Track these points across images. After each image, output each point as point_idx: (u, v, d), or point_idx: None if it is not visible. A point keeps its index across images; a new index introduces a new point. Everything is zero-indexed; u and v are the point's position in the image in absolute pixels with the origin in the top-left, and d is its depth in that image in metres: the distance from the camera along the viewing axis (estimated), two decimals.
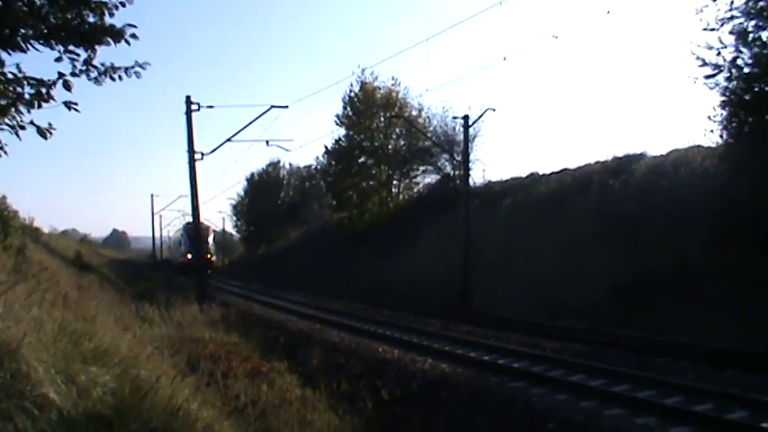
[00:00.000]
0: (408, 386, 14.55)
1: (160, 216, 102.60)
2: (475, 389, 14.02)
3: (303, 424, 10.50)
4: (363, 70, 59.27)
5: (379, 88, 59.99)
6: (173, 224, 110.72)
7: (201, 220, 37.26)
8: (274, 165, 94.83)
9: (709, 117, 26.11)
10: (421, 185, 59.12)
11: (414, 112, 59.03)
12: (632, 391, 13.38)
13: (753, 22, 24.71)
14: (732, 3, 24.77)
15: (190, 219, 73.97)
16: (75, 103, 9.21)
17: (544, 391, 13.81)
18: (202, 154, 33.61)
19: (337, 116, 61.16)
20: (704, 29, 25.40)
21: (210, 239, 72.38)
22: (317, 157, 68.48)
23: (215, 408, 9.52)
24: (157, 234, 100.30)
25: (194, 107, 32.41)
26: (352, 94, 60.23)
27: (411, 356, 17.90)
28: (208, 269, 54.55)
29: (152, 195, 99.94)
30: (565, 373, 15.29)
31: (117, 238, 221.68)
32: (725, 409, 11.83)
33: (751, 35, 24.70)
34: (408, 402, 13.30)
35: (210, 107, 33.00)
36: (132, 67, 9.66)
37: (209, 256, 65.88)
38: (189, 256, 63.10)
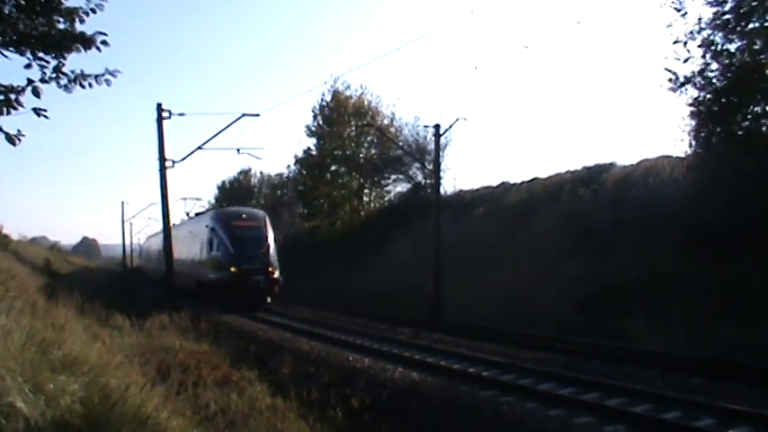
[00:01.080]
0: (378, 395, 14.55)
1: (131, 223, 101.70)
2: (445, 398, 14.02)
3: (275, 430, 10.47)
4: (336, 79, 59.27)
5: (351, 97, 60.07)
6: (144, 231, 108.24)
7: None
8: (245, 173, 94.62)
9: (679, 127, 26.53)
10: (392, 194, 59.19)
11: (385, 121, 59.16)
12: (601, 399, 13.42)
13: (720, 35, 25.07)
14: (700, 17, 25.16)
15: (202, 208, 58.04)
16: (45, 110, 9.16)
17: (513, 399, 13.84)
18: (173, 161, 33.47)
19: (308, 126, 61.23)
20: (674, 41, 25.73)
21: (271, 240, 38.15)
22: (288, 166, 68.31)
23: (184, 417, 9.48)
24: (128, 241, 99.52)
25: (165, 114, 32.21)
26: (324, 103, 60.30)
27: (381, 365, 17.87)
28: (267, 293, 36.70)
29: (122, 203, 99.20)
30: (534, 381, 15.31)
31: (87, 245, 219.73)
32: (693, 417, 11.90)
33: (719, 47, 25.05)
34: (378, 411, 13.30)
35: (182, 115, 32.88)
36: (102, 75, 9.61)
37: (271, 271, 36.46)
38: (234, 269, 35.33)
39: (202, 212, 50.20)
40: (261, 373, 16.39)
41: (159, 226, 57.24)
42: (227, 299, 35.14)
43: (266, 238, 37.11)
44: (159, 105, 32.20)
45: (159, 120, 32.20)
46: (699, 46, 25.44)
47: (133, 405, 7.65)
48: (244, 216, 39.31)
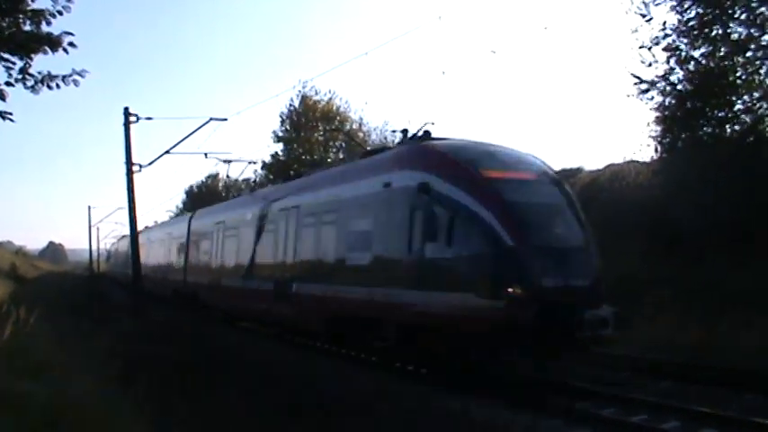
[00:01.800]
0: (349, 398, 14.51)
1: (97, 228, 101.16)
2: (415, 401, 14.01)
3: None
4: (304, 84, 59.31)
5: (319, 102, 60.13)
6: (112, 235, 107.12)
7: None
8: (213, 177, 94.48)
9: (644, 133, 26.91)
10: None
11: (354, 126, 59.27)
12: (568, 402, 13.48)
13: (685, 41, 25.40)
14: (665, 23, 25.50)
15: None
16: (10, 113, 9.08)
17: (482, 403, 13.86)
18: (140, 166, 33.25)
19: (275, 132, 61.21)
20: (640, 47, 26.07)
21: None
22: (256, 171, 68.16)
23: (151, 422, 9.42)
24: (95, 246, 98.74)
25: (132, 118, 31.94)
26: (292, 108, 60.27)
27: (351, 369, 17.90)
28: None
29: (89, 207, 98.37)
30: (501, 385, 15.29)
31: (53, 250, 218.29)
32: (660, 420, 11.99)
33: (683, 53, 25.37)
34: (348, 415, 13.27)
35: (149, 119, 32.69)
36: (70, 76, 9.57)
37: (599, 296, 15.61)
38: (523, 292, 14.16)
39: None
40: (228, 377, 16.30)
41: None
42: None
43: (577, 213, 16.92)
44: (126, 109, 31.93)
45: (126, 123, 31.90)
46: (663, 50, 25.78)
47: (98, 410, 7.59)
48: (510, 159, 17.63)
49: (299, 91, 59.91)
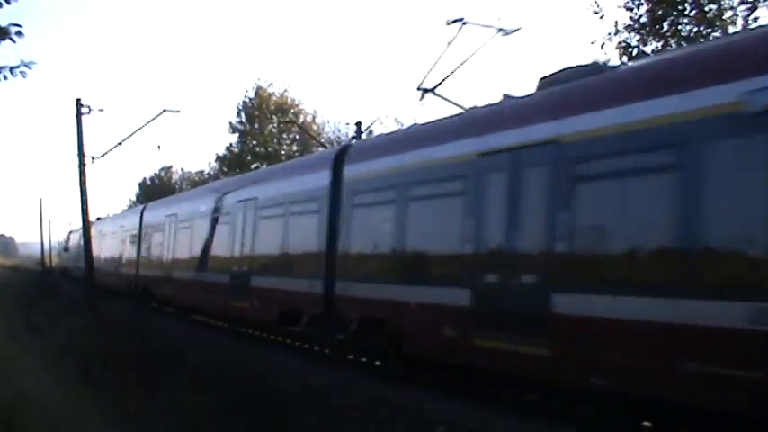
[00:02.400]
0: (304, 392, 14.58)
1: (49, 221, 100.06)
2: (370, 395, 14.12)
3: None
4: (259, 78, 59.54)
5: (273, 94, 60.13)
6: (66, 228, 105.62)
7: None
8: (166, 170, 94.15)
9: None
10: None
11: (308, 118, 59.36)
12: (520, 396, 13.65)
13: (636, 37, 25.83)
14: (617, 20, 25.96)
15: None
16: None
17: (437, 397, 14.01)
18: (92, 158, 33.04)
19: (231, 123, 61.12)
20: (591, 42, 26.50)
21: None
22: (210, 163, 68.04)
23: (106, 417, 9.43)
24: (46, 239, 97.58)
25: (85, 110, 31.72)
26: (247, 100, 60.25)
27: (305, 363, 17.98)
28: None
29: (41, 200, 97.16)
30: (455, 379, 15.42)
31: (4, 243, 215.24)
32: (607, 411, 12.13)
33: (635, 49, 25.79)
34: (305, 408, 13.34)
35: (101, 110, 32.46)
36: (17, 67, 9.48)
37: None
38: None
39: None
40: (184, 372, 16.27)
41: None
42: None
43: None
44: (78, 101, 31.66)
45: (78, 115, 31.64)
46: (616, 48, 26.22)
47: (52, 406, 7.61)
48: None
49: (255, 83, 59.94)
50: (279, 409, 12.54)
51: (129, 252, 40.51)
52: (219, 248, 26.57)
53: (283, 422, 11.69)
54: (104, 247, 46.19)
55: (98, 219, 50.66)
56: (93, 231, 35.65)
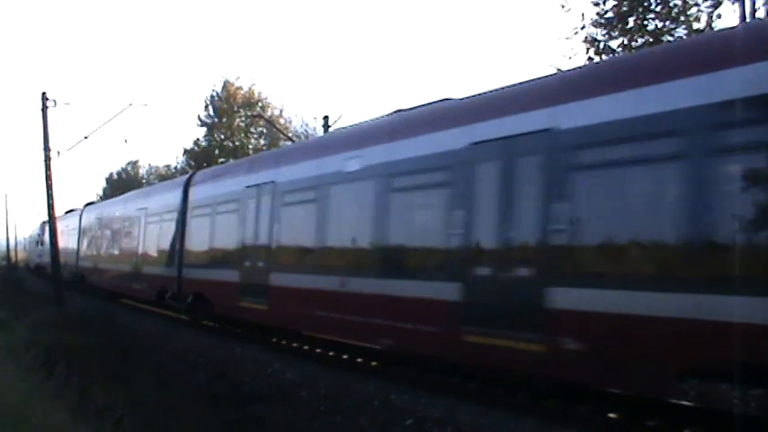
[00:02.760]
0: (268, 386, 14.62)
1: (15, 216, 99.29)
2: (334, 387, 14.19)
3: (166, 423, 10.46)
4: (227, 72, 59.58)
5: (241, 88, 60.18)
6: (37, 220, 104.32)
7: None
8: (133, 164, 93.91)
9: None
10: None
11: (275, 112, 59.38)
12: (485, 386, 13.74)
13: (603, 32, 26.08)
14: (583, 15, 26.16)
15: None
16: None
17: (403, 388, 14.11)
18: (58, 152, 32.89)
19: (199, 116, 61.08)
20: (558, 38, 26.75)
21: None
22: (177, 157, 67.93)
23: (71, 413, 9.43)
24: (12, 235, 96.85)
25: (50, 104, 31.58)
26: (215, 94, 60.24)
27: (271, 356, 18.02)
28: None
29: (6, 195, 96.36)
30: (420, 372, 15.48)
31: None
32: (572, 402, 12.24)
33: (601, 44, 26.02)
34: (268, 402, 13.39)
35: (67, 104, 32.33)
36: None
37: None
38: None
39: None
40: (147, 367, 16.27)
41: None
42: None
43: None
44: (44, 94, 31.50)
45: (44, 109, 31.47)
46: (583, 42, 26.43)
47: (15, 402, 7.61)
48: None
49: (223, 76, 59.99)
50: (242, 402, 12.61)
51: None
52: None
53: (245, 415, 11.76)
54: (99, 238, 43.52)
55: (89, 204, 49.92)
56: (71, 221, 44.35)
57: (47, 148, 31.80)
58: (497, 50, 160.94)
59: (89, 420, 9.51)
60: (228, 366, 16.63)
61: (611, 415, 11.49)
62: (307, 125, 55.29)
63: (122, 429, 9.57)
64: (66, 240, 45.37)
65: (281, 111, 59.19)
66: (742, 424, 8.94)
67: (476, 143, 13.22)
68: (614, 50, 26.10)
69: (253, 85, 60.04)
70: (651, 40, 25.02)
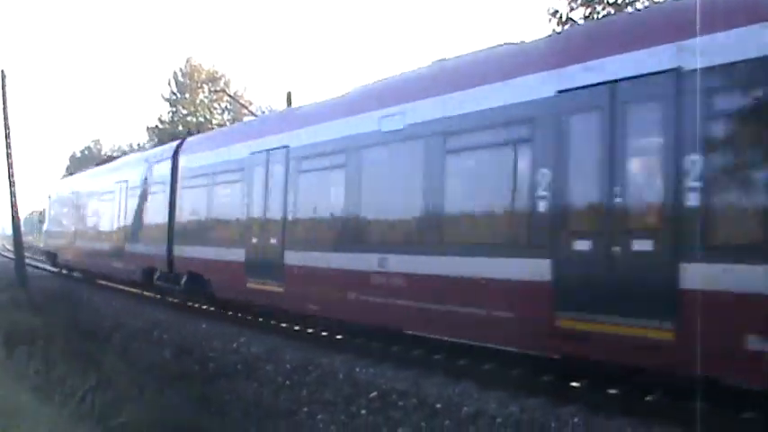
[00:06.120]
0: (234, 361, 14.65)
1: None
2: (300, 362, 14.23)
3: (131, 400, 10.45)
4: (190, 48, 59.54)
5: (202, 65, 60.13)
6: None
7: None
8: (96, 141, 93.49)
9: None
10: None
11: (239, 87, 59.33)
12: (450, 359, 13.80)
13: (565, 3, 26.20)
14: None
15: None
16: None
17: (368, 362, 14.18)
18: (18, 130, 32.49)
19: (162, 94, 60.96)
20: (520, 10, 26.80)
21: None
22: (146, 137, 67.70)
23: (36, 393, 9.41)
24: None
25: (9, 81, 31.17)
26: (178, 70, 60.17)
27: (236, 331, 18.07)
28: None
29: None
30: (385, 345, 15.51)
31: None
32: (539, 373, 12.35)
33: (563, 15, 26.13)
34: (234, 377, 13.42)
35: (27, 82, 32.01)
36: None
37: None
38: None
39: None
40: (113, 346, 16.24)
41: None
42: None
43: None
44: (2, 72, 31.08)
45: (2, 87, 31.06)
46: (547, 13, 26.53)
47: None
48: None
49: (186, 57, 60.05)
50: (208, 378, 12.64)
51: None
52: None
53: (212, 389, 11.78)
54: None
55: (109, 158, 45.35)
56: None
57: (6, 127, 31.34)
58: (459, 22, 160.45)
59: (53, 401, 9.49)
60: (194, 342, 16.63)
61: (574, 384, 11.60)
62: (270, 104, 55.29)
63: (88, 407, 9.55)
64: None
65: (245, 86, 59.65)
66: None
67: (565, 90, 11.31)
68: (575, 22, 26.18)
69: (216, 60, 60.52)
70: (612, 11, 25.12)
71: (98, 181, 33.72)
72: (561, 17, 26.49)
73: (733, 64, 9.26)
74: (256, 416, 10.22)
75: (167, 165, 24.88)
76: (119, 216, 29.17)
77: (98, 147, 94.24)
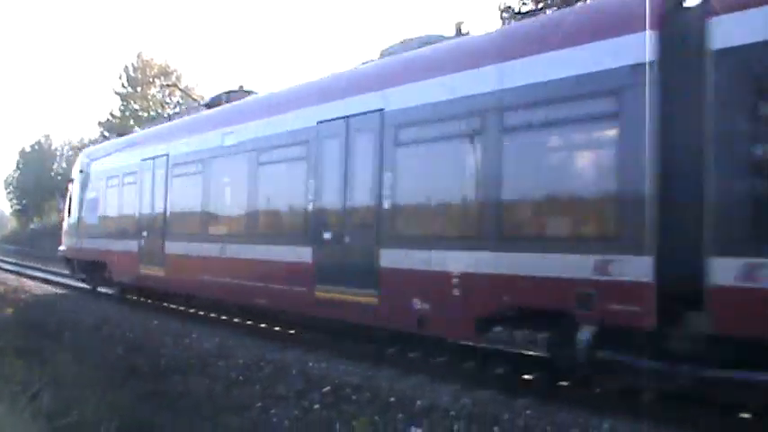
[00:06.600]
0: (186, 357, 14.59)
1: None
2: (252, 357, 14.22)
3: (82, 398, 10.36)
4: (141, 42, 59.47)
5: (154, 60, 59.91)
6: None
7: None
8: (46, 137, 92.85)
9: None
10: None
11: (192, 82, 59.17)
12: (401, 353, 13.86)
13: None
14: None
15: None
16: None
17: (321, 356, 14.23)
18: None
19: (113, 89, 60.60)
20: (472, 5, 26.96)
21: None
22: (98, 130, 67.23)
23: None
24: None
25: None
26: (129, 64, 59.99)
27: (188, 327, 18.00)
28: None
29: None
30: (335, 339, 15.51)
31: None
32: (489, 366, 12.44)
33: (515, 10, 26.39)
34: (186, 373, 13.37)
35: None
36: None
37: None
38: None
39: None
40: (63, 343, 16.07)
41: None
42: None
43: None
44: None
45: None
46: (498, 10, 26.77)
47: None
48: None
49: (138, 53, 59.81)
50: (160, 375, 12.57)
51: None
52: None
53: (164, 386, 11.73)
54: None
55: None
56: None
57: None
58: (403, 16, 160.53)
59: (2, 398, 9.39)
60: (146, 338, 16.55)
61: (526, 376, 11.71)
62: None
63: (38, 405, 9.46)
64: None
65: (197, 83, 59.36)
66: None
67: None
68: (515, 12, 26.49)
69: (169, 55, 60.47)
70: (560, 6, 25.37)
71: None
72: (515, 13, 26.70)
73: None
74: (209, 412, 10.18)
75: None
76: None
77: (48, 142, 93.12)
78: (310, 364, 13.50)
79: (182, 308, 21.30)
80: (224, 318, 19.26)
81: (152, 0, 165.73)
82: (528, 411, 10.02)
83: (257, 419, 10.04)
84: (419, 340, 13.37)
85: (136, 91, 59.82)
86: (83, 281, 28.11)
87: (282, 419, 10.02)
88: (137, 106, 60.05)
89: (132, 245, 22.41)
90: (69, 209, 29.05)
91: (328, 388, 11.60)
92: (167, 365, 13.74)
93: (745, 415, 9.23)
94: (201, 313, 20.35)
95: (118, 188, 24.36)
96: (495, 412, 9.98)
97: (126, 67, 60.28)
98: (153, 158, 21.87)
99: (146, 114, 59.14)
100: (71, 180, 29.28)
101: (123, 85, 60.67)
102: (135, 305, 22.99)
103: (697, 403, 9.39)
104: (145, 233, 21.84)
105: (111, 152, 25.76)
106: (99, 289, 27.02)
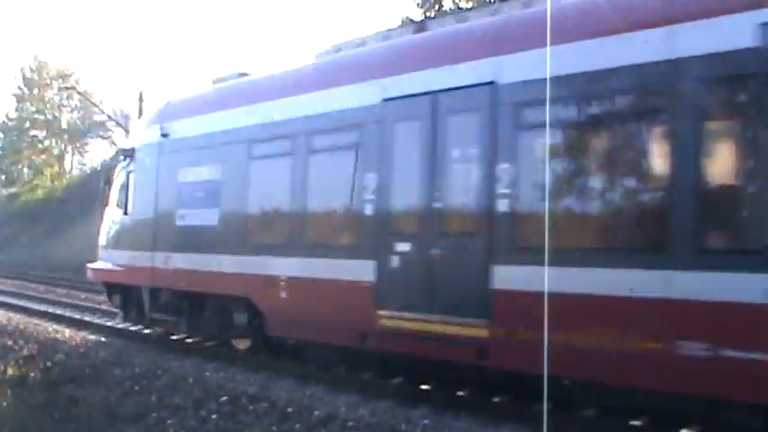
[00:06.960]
0: (81, 366, 14.38)
1: None
2: (149, 366, 14.07)
3: None
4: (38, 45, 58.87)
5: (51, 63, 59.10)
6: None
7: None
8: None
9: None
10: (99, 162, 58.17)
11: (90, 86, 58.44)
12: (299, 363, 13.84)
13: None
14: None
15: None
16: None
17: (218, 366, 14.15)
18: None
19: (10, 91, 59.70)
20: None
21: None
22: None
23: None
24: None
25: None
26: (26, 66, 59.09)
27: (83, 335, 17.66)
28: None
29: None
30: (230, 348, 15.42)
31: None
32: (387, 375, 12.49)
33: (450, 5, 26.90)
34: (81, 382, 13.19)
35: None
36: None
37: None
38: None
39: None
40: None
41: None
42: None
43: None
44: None
45: None
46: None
47: None
48: None
49: (35, 53, 58.92)
50: (52, 384, 12.39)
51: None
52: None
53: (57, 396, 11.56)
54: None
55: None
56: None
57: None
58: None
59: None
60: (39, 347, 16.24)
61: (424, 387, 11.81)
62: (122, 111, 54.42)
63: None
64: None
65: (97, 85, 58.80)
66: None
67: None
68: (462, 9, 26.86)
69: (67, 57, 59.62)
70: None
71: None
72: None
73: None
74: (104, 421, 10.08)
75: None
76: None
77: None
78: (207, 373, 13.40)
79: (77, 316, 20.87)
80: (120, 326, 18.86)
81: (52, 1, 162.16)
82: (425, 421, 10.11)
83: (153, 430, 9.98)
84: (314, 349, 13.40)
85: (32, 93, 58.63)
86: (152, 325, 17.44)
87: (179, 430, 9.97)
88: (33, 108, 58.81)
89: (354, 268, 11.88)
90: (126, 203, 17.51)
91: (225, 398, 11.57)
92: (61, 374, 13.56)
93: None
94: (97, 321, 20.00)
95: (294, 158, 13.17)
96: (393, 422, 10.06)
97: (22, 68, 59.23)
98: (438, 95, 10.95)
99: (42, 117, 58.07)
100: (126, 155, 18.11)
101: (19, 87, 59.46)
102: (28, 312, 22.35)
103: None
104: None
105: (262, 94, 14.58)
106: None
